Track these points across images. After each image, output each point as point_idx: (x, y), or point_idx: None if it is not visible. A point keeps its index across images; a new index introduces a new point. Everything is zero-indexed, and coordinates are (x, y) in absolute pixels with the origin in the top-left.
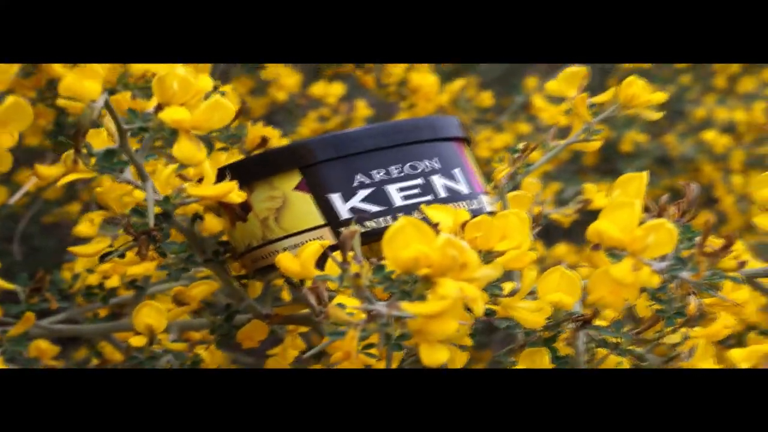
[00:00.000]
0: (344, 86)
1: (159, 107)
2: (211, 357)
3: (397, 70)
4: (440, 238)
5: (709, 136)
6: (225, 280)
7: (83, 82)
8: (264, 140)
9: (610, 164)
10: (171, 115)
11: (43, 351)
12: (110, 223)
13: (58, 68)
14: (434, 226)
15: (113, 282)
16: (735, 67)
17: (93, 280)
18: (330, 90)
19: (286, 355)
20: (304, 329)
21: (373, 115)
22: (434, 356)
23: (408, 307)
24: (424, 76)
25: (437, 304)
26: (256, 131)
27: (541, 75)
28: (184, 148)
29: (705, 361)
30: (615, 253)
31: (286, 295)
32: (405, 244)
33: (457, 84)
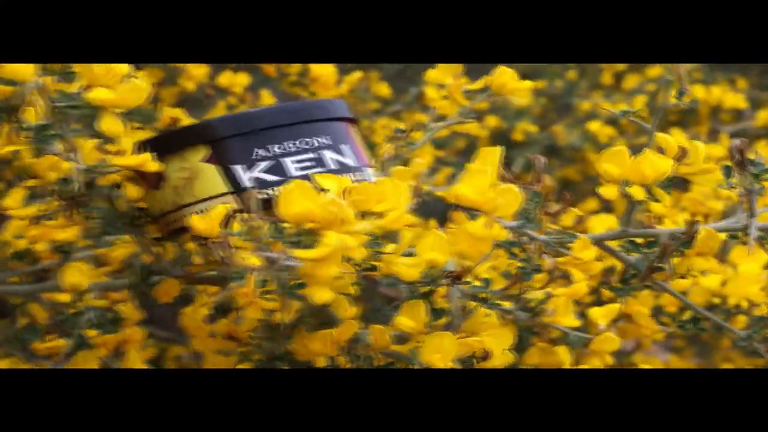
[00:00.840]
0: (249, 77)
1: (86, 88)
2: (130, 312)
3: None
4: (324, 197)
5: (594, 126)
6: (142, 243)
7: (19, 67)
8: (175, 120)
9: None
10: (97, 94)
11: None
12: (39, 194)
13: None
14: (323, 191)
15: (41, 247)
16: (621, 66)
17: (21, 245)
18: (236, 80)
19: (197, 313)
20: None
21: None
22: (320, 295)
23: (297, 253)
24: (323, 67)
25: (321, 250)
26: (168, 112)
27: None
28: (107, 123)
29: (566, 317)
30: (472, 212)
31: (197, 259)
32: (294, 202)
33: (355, 76)
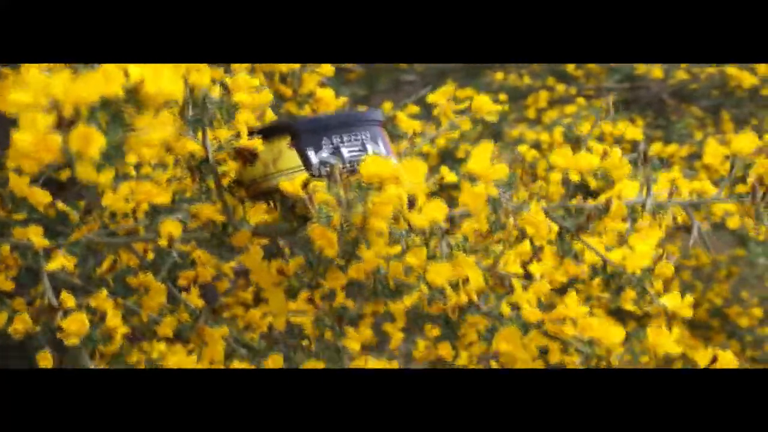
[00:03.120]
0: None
1: (228, 93)
2: (204, 256)
3: (309, 85)
4: (389, 163)
5: (522, 149)
6: (226, 204)
7: (199, 74)
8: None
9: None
10: (239, 98)
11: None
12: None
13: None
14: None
15: (143, 207)
16: (543, 102)
17: (124, 206)
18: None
19: (256, 254)
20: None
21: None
22: (379, 225)
23: (371, 196)
24: (325, 91)
25: (385, 195)
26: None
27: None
28: (244, 116)
29: (513, 267)
30: (474, 179)
31: (265, 216)
32: (372, 165)
33: (342, 99)
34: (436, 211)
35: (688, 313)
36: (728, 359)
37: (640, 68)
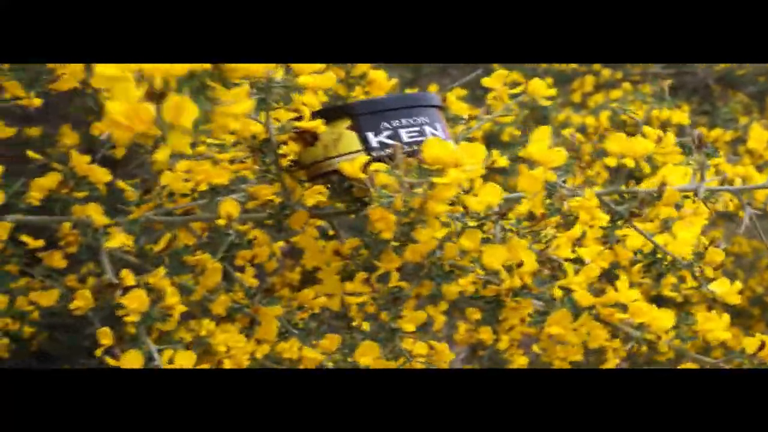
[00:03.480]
0: None
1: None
2: (261, 236)
3: (362, 67)
4: (451, 147)
5: (566, 132)
6: (285, 185)
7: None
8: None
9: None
10: (304, 80)
11: None
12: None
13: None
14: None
15: (201, 187)
16: (588, 87)
17: (185, 188)
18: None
19: (310, 234)
20: (320, 222)
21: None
22: (440, 209)
23: (434, 179)
24: (377, 73)
25: (447, 178)
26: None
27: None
28: (307, 98)
29: (565, 251)
30: (534, 165)
31: (322, 198)
32: (434, 148)
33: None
34: (491, 195)
35: (736, 299)
36: None
37: None
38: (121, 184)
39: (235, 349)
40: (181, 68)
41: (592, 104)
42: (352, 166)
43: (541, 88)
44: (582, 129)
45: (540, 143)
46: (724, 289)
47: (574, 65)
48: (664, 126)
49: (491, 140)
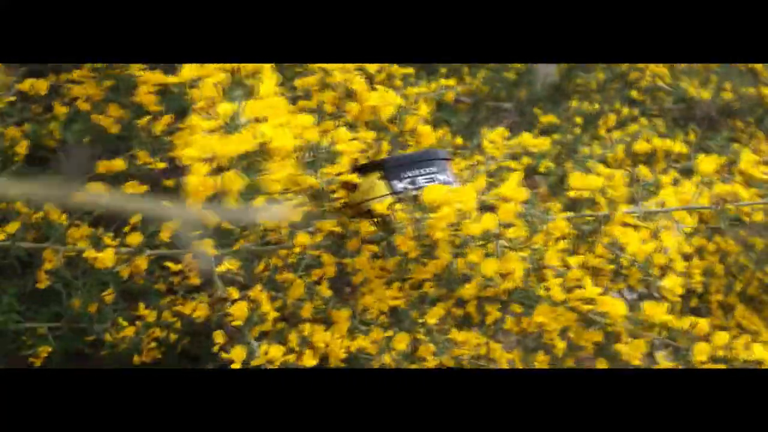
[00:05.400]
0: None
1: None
2: (327, 258)
3: (411, 123)
4: (444, 191)
5: (589, 163)
6: (341, 220)
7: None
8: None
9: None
10: (340, 147)
11: None
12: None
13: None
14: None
15: (284, 224)
16: (611, 123)
17: (274, 224)
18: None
19: (364, 256)
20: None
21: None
22: (440, 234)
23: (431, 215)
24: (424, 128)
25: (441, 213)
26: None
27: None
28: (343, 163)
29: (554, 260)
30: (506, 200)
31: (369, 228)
32: (431, 193)
33: (440, 132)
34: (489, 222)
35: (679, 291)
36: None
37: (691, 91)
38: (226, 224)
39: (332, 344)
40: (237, 150)
41: (610, 139)
42: (381, 206)
43: (528, 139)
44: (603, 160)
45: (510, 184)
46: (671, 284)
47: (597, 106)
48: (668, 155)
49: (530, 171)
